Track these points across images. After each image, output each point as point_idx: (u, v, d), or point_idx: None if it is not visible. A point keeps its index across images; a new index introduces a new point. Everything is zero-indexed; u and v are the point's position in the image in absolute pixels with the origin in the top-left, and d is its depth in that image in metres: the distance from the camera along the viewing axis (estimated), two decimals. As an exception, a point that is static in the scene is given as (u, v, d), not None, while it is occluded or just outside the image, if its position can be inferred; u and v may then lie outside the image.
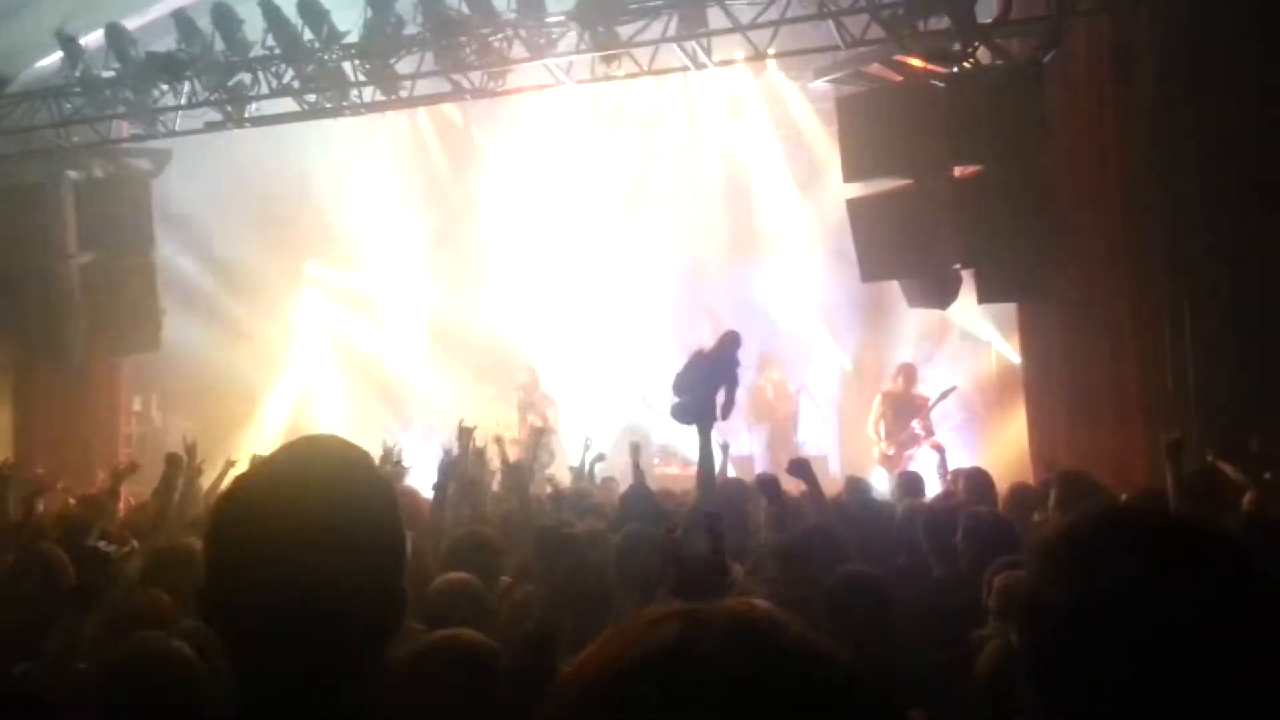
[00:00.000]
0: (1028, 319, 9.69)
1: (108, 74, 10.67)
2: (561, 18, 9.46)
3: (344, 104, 10.46)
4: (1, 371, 11.88)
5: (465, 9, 9.49)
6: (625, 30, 9.41)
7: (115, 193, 11.71)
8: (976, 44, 8.94)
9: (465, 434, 6.48)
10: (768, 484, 5.05)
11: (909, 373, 11.41)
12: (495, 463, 7.58)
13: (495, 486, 7.26)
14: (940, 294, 9.35)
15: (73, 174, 11.82)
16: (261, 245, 13.35)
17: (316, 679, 1.33)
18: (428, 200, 14.28)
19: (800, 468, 5.28)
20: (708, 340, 8.38)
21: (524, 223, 14.07)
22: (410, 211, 14.21)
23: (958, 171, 9.20)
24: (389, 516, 1.42)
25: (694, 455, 7.14)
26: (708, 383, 7.41)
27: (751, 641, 0.80)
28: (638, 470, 7.07)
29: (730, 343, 7.79)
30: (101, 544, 3.26)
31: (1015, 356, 10.73)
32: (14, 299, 11.51)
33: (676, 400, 7.35)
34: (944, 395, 10.90)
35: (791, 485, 5.45)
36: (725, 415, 7.60)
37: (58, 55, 10.85)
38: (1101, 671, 1.18)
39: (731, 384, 7.59)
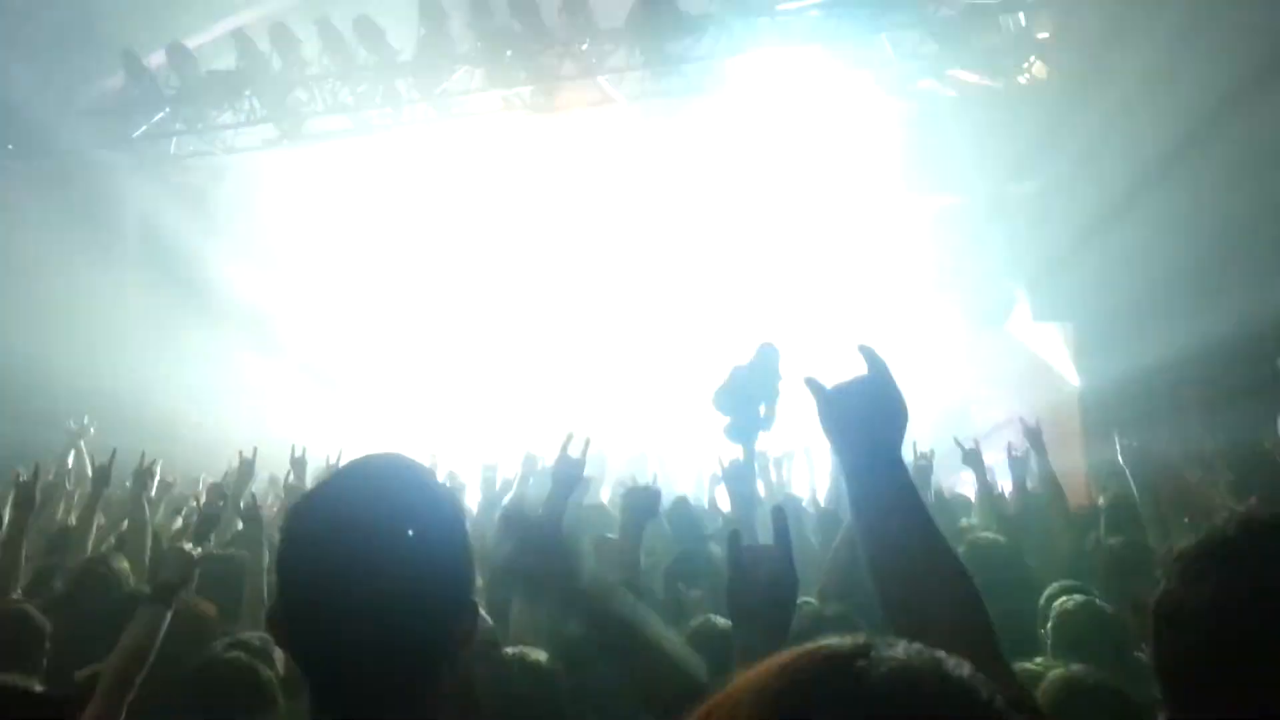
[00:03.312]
0: (1084, 338, 9.53)
1: (169, 91, 10.89)
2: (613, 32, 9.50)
3: (394, 120, 10.57)
4: (61, 376, 12.11)
5: (516, 26, 9.56)
6: (676, 47, 9.43)
7: (175, 207, 11.93)
8: (1032, 58, 8.85)
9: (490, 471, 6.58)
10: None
11: (960, 396, 11.23)
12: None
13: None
14: (995, 311, 9.24)
15: (134, 188, 12.07)
16: (284, 266, 13.51)
17: (389, 691, 1.33)
18: (451, 219, 14.26)
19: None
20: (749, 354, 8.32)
21: (571, 236, 14.09)
22: (429, 232, 14.23)
23: (1014, 187, 9.10)
24: (456, 530, 1.42)
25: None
26: (750, 397, 7.31)
27: (922, 672, 0.81)
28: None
29: (767, 355, 7.67)
30: (186, 545, 3.29)
31: (1073, 377, 10.53)
32: (77, 307, 11.77)
33: (728, 421, 7.28)
34: (998, 427, 10.70)
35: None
36: (768, 427, 7.50)
37: (121, 73, 11.09)
38: (1246, 675, 1.19)
39: (772, 397, 7.48)
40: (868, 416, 1.66)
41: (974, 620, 1.51)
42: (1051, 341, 11.33)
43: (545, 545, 2.02)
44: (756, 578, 2.28)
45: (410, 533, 1.35)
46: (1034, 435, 5.26)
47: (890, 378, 1.70)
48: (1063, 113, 8.67)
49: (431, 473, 1.50)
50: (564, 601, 2.14)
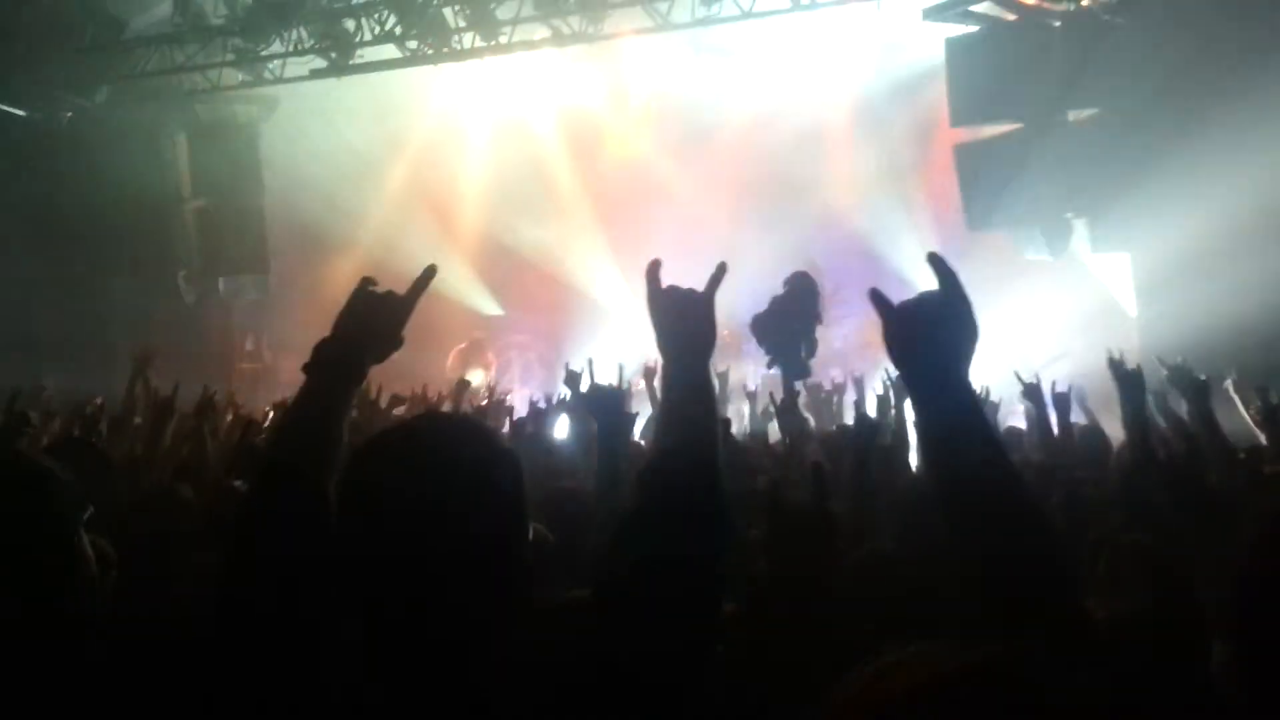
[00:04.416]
0: (1143, 270, 9.34)
1: (217, 21, 10.87)
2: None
3: (445, 50, 10.48)
4: (118, 311, 12.33)
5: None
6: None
7: (226, 139, 11.99)
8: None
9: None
10: None
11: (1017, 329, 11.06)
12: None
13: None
14: (1051, 243, 9.06)
15: (184, 121, 12.12)
16: (370, 188, 13.58)
17: (439, 643, 1.34)
18: (522, 148, 14.20)
19: None
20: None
21: (622, 166, 13.98)
22: (506, 161, 14.19)
23: (1071, 116, 8.86)
24: (513, 489, 1.43)
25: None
26: (790, 327, 7.20)
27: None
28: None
29: (800, 286, 7.54)
30: (238, 483, 3.30)
31: (1131, 308, 10.32)
32: (130, 241, 11.91)
33: (771, 356, 7.19)
34: (1054, 359, 10.54)
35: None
36: (810, 355, 7.38)
37: (169, 2, 11.07)
38: None
39: (809, 330, 7.34)
40: (936, 335, 1.58)
41: (1047, 555, 1.47)
42: (1111, 272, 11.11)
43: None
44: (793, 540, 2.28)
45: (465, 485, 1.37)
46: (1128, 380, 4.78)
47: (962, 292, 1.61)
48: (1127, 37, 8.40)
49: (495, 433, 1.50)
50: None
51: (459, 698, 1.32)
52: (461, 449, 1.41)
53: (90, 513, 2.02)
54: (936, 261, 1.65)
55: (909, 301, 1.64)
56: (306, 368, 1.85)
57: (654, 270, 1.81)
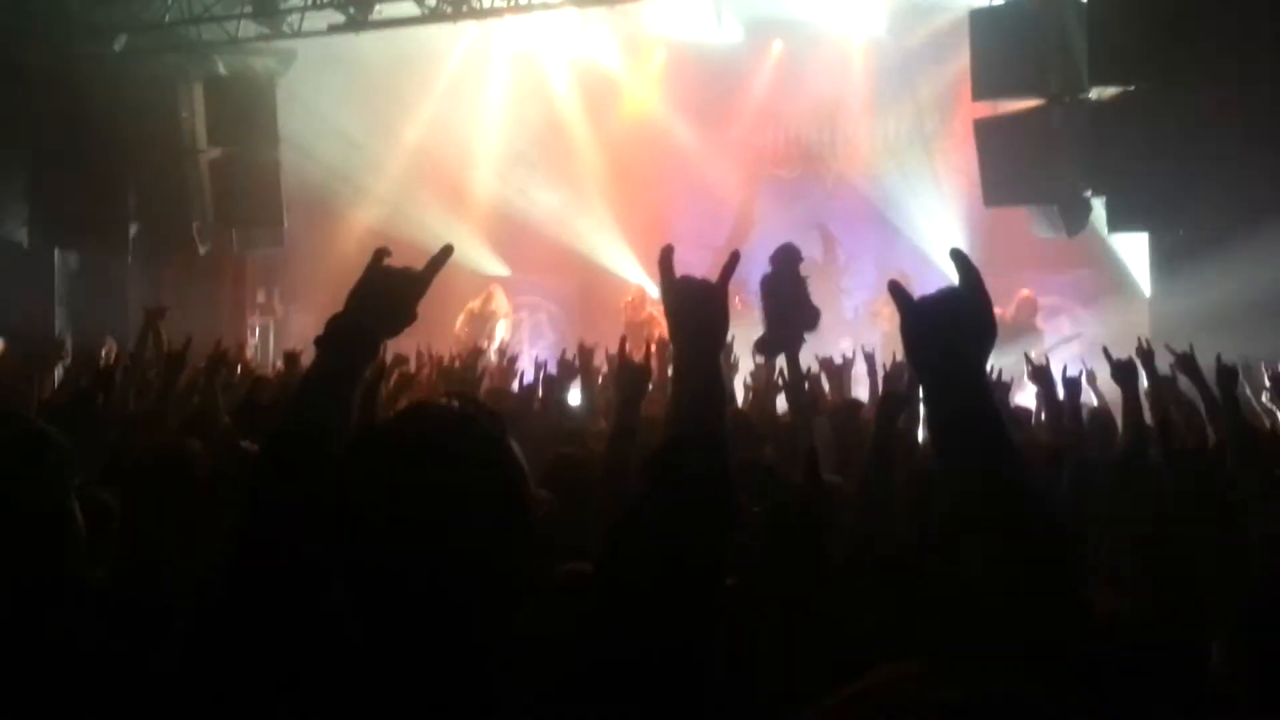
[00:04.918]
0: (1159, 250, 9.28)
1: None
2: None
3: (464, 9, 10.40)
4: (132, 261, 12.35)
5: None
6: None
7: (242, 91, 11.92)
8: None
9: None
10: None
11: (1025, 304, 11.03)
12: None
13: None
14: (1068, 221, 9.00)
15: (201, 71, 12.05)
16: (383, 145, 13.53)
17: (437, 633, 1.34)
18: (535, 107, 14.11)
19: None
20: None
21: (637, 127, 13.89)
22: (518, 120, 14.11)
23: (1094, 93, 8.78)
24: (510, 482, 1.42)
25: None
26: (781, 307, 7.21)
27: None
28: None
29: (784, 258, 7.56)
30: (245, 443, 3.29)
31: (1145, 288, 10.26)
32: (145, 191, 11.92)
33: (764, 336, 7.14)
34: (1065, 340, 10.51)
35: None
36: (812, 327, 7.41)
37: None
38: None
39: (800, 297, 7.35)
40: (955, 334, 1.58)
41: (1053, 558, 1.46)
42: (1126, 252, 11.05)
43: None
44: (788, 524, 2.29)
45: (467, 482, 1.37)
46: (1124, 371, 4.78)
47: (982, 289, 1.62)
48: (1153, 14, 8.29)
49: (489, 426, 1.49)
50: None
51: (457, 683, 1.33)
52: (457, 444, 1.40)
53: (81, 477, 2.02)
54: (959, 258, 1.65)
55: (929, 297, 1.64)
56: (319, 341, 1.85)
57: (667, 258, 1.79)
